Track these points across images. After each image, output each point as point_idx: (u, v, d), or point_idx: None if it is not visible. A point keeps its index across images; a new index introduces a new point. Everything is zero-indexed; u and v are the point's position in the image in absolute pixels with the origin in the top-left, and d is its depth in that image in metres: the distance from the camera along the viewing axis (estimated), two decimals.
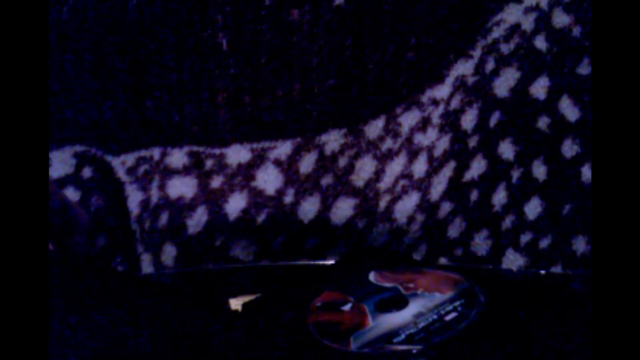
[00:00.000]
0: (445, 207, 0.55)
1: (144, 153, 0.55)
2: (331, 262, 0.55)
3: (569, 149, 0.53)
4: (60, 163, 0.55)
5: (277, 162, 0.54)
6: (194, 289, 0.54)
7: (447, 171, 0.55)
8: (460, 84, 0.54)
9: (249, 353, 0.39)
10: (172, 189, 0.55)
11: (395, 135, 0.54)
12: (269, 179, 0.54)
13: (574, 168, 0.53)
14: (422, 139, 0.54)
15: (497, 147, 0.54)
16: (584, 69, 0.52)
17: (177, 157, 0.55)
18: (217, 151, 0.54)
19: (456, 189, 0.55)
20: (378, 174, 0.55)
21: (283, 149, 0.54)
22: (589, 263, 0.53)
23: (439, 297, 0.43)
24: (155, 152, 0.55)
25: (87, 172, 0.56)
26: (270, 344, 0.40)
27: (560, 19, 0.53)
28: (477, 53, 0.54)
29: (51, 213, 0.43)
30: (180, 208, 0.55)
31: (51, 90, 0.54)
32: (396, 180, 0.55)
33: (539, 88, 0.53)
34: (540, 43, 0.53)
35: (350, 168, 0.55)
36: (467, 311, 0.41)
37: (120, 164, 0.56)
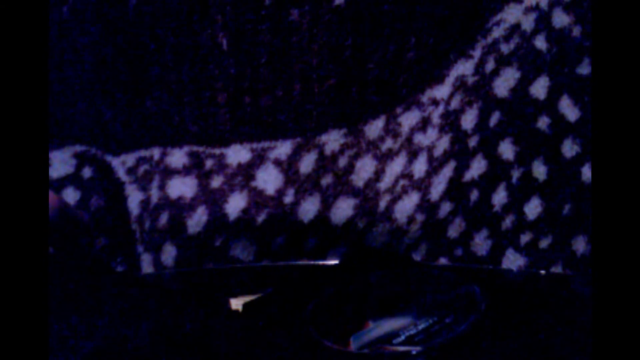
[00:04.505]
0: (445, 207, 0.55)
1: (144, 153, 0.55)
2: (334, 262, 0.55)
3: (569, 149, 0.53)
4: (60, 163, 0.55)
5: (277, 162, 0.54)
6: (194, 289, 0.54)
7: (447, 171, 0.55)
8: (460, 84, 0.54)
9: (249, 353, 0.39)
10: (172, 189, 0.55)
11: (395, 135, 0.54)
12: (269, 179, 0.54)
13: (574, 168, 0.53)
14: (422, 139, 0.54)
15: (497, 147, 0.54)
16: (584, 69, 0.52)
17: (177, 157, 0.55)
18: (217, 151, 0.54)
19: (456, 189, 0.55)
20: (378, 174, 0.55)
21: (283, 149, 0.54)
22: (589, 263, 0.53)
23: (439, 299, 0.43)
24: (155, 152, 0.55)
25: (87, 172, 0.56)
26: (270, 344, 0.40)
27: (560, 19, 0.53)
28: (477, 53, 0.54)
29: (52, 219, 0.43)
30: (181, 206, 0.55)
31: (51, 90, 0.54)
32: (396, 180, 0.55)
33: (539, 88, 0.53)
34: (540, 43, 0.53)
35: (350, 168, 0.55)
36: (467, 313, 0.41)
37: (120, 164, 0.56)
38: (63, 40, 0.54)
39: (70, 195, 0.55)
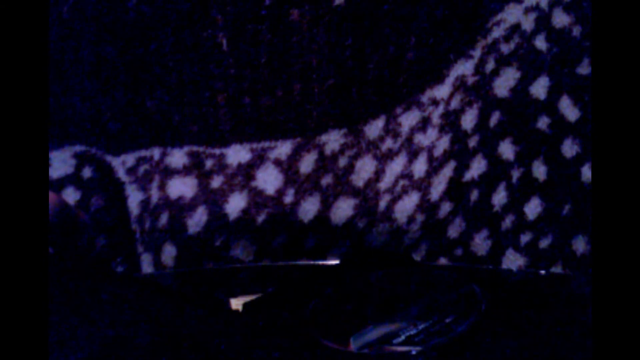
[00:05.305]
0: (445, 207, 0.55)
1: (144, 153, 0.55)
2: (334, 262, 0.55)
3: (569, 149, 0.53)
4: (60, 163, 0.55)
5: (277, 162, 0.54)
6: (194, 289, 0.54)
7: (447, 171, 0.55)
8: (460, 84, 0.54)
9: (249, 353, 0.39)
10: (172, 189, 0.55)
11: (395, 135, 0.54)
12: (269, 179, 0.54)
13: (574, 168, 0.53)
14: (422, 139, 0.54)
15: (497, 147, 0.54)
16: (584, 69, 0.52)
17: (177, 157, 0.55)
18: (217, 151, 0.54)
19: (456, 189, 0.55)
20: (378, 174, 0.55)
21: (283, 149, 0.54)
22: (589, 263, 0.53)
23: (439, 299, 0.43)
24: (155, 152, 0.55)
25: (87, 172, 0.56)
26: (270, 344, 0.40)
27: (560, 19, 0.53)
28: (477, 53, 0.54)
29: (52, 218, 0.43)
30: (181, 206, 0.55)
31: (51, 90, 0.54)
32: (396, 180, 0.55)
33: (539, 88, 0.53)
34: (540, 43, 0.53)
35: (350, 168, 0.55)
36: (467, 313, 0.41)
37: (120, 164, 0.56)
38: (63, 40, 0.54)
39: (70, 195, 0.55)
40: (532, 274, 0.54)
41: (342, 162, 0.55)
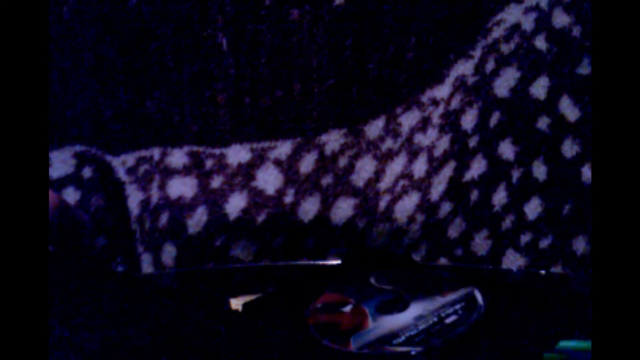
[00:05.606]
0: (445, 207, 0.55)
1: (144, 153, 0.55)
2: (335, 262, 0.55)
3: (569, 149, 0.53)
4: (60, 163, 0.55)
5: (277, 162, 0.54)
6: (194, 289, 0.54)
7: (447, 171, 0.55)
8: (460, 84, 0.54)
9: (249, 353, 0.39)
10: (172, 189, 0.55)
11: (395, 135, 0.54)
12: (269, 179, 0.54)
13: (574, 168, 0.53)
14: (422, 139, 0.54)
15: (497, 147, 0.54)
16: (584, 69, 0.52)
17: (177, 157, 0.55)
18: (217, 151, 0.54)
19: (456, 189, 0.55)
20: (378, 174, 0.55)
21: (283, 149, 0.54)
22: (589, 263, 0.53)
23: (439, 300, 0.43)
24: (155, 152, 0.55)
25: (87, 172, 0.56)
26: (270, 344, 0.40)
27: (560, 19, 0.53)
28: (477, 53, 0.54)
29: (52, 218, 0.43)
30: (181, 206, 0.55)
31: (51, 90, 0.54)
32: (396, 180, 0.55)
33: (539, 88, 0.53)
34: (540, 43, 0.53)
35: (350, 168, 0.55)
36: (467, 314, 0.41)
37: (120, 164, 0.56)
38: (63, 40, 0.54)
39: (70, 195, 0.55)
40: (532, 274, 0.54)
41: (342, 162, 0.55)
